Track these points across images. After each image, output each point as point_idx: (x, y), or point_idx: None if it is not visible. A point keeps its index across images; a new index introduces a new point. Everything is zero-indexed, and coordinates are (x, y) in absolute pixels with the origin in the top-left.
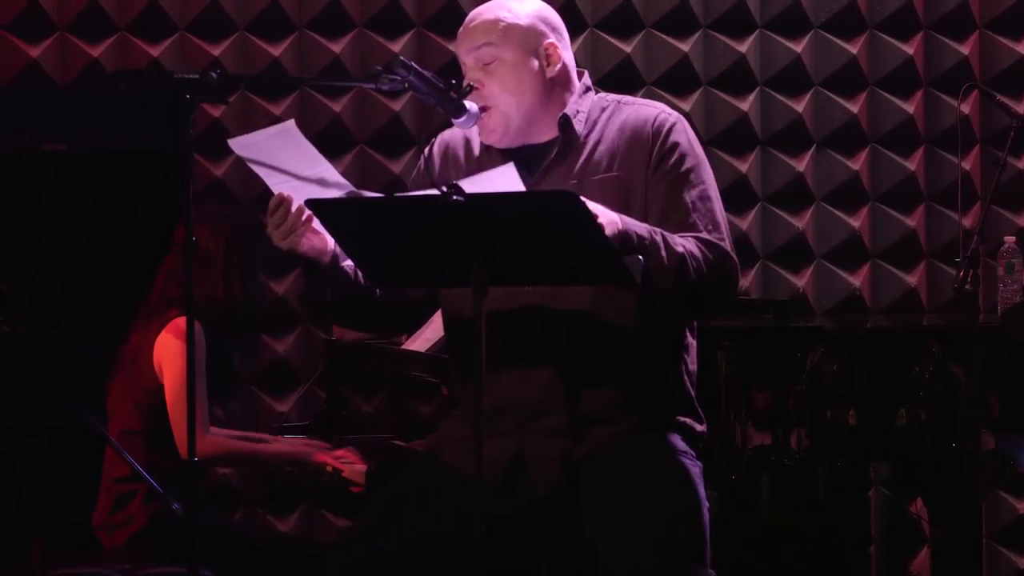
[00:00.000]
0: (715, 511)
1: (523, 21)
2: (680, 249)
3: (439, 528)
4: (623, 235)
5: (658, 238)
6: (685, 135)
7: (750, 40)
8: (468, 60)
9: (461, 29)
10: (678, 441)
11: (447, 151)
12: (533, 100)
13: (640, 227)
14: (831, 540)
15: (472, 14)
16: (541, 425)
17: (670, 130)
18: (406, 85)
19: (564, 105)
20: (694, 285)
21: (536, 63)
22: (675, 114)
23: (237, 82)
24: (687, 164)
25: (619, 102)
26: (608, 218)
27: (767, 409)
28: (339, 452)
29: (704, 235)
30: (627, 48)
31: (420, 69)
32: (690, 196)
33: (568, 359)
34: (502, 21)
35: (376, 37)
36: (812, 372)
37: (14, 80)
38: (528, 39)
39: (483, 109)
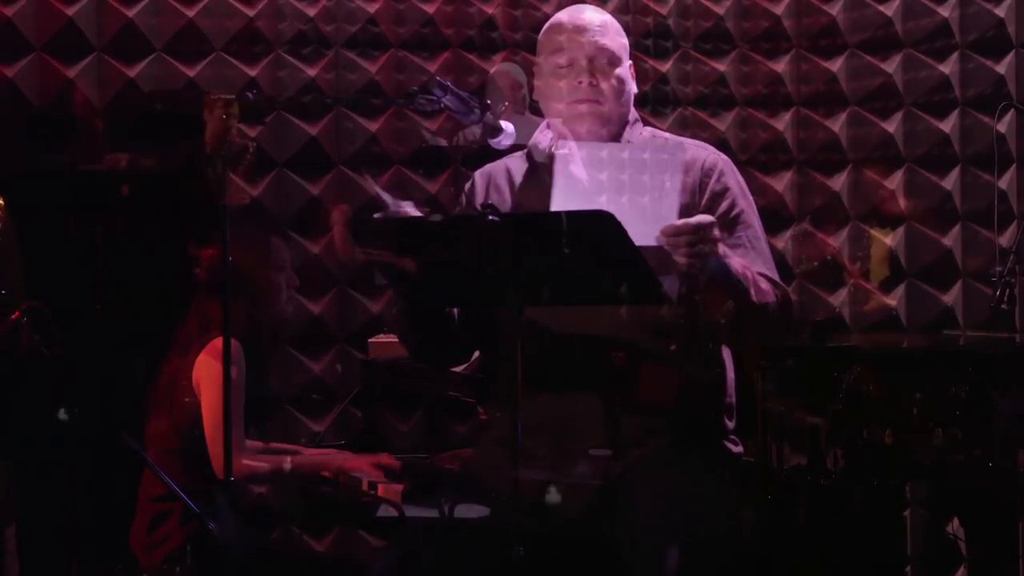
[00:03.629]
0: (752, 530)
1: (624, 37)
2: (764, 285)
3: (476, 548)
4: (723, 268)
5: (749, 275)
6: (735, 177)
7: (786, 60)
8: (580, 56)
9: (570, 24)
10: (713, 461)
11: (489, 181)
12: (625, 112)
13: (736, 263)
14: (867, 560)
15: (576, 15)
16: (576, 449)
17: (721, 172)
18: (442, 105)
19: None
20: (771, 322)
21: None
22: (724, 156)
23: (273, 103)
24: (739, 206)
25: (666, 140)
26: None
27: (803, 429)
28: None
29: (768, 274)
30: (664, 68)
31: (456, 89)
32: (746, 236)
33: (601, 381)
34: (613, 29)
35: (411, 57)
36: (848, 392)
37: (52, 101)
38: (627, 54)
39: (591, 102)
